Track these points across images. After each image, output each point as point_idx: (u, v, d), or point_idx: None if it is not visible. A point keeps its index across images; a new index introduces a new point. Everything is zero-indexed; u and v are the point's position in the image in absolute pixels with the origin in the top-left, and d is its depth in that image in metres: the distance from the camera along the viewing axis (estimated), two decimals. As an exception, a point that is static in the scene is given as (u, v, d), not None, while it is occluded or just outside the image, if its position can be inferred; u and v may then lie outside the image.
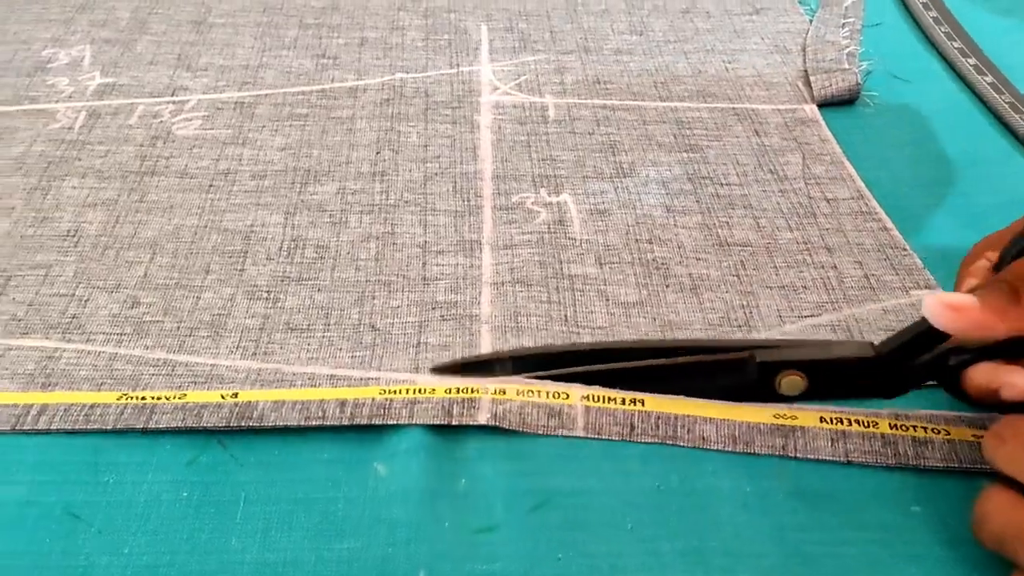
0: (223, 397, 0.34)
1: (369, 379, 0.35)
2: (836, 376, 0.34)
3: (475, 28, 0.60)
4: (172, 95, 0.52)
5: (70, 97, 0.52)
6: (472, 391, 0.34)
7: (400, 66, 0.55)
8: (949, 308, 0.30)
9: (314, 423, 0.33)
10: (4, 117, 0.50)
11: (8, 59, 0.55)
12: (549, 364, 0.36)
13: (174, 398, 0.34)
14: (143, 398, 0.34)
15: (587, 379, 0.35)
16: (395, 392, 0.34)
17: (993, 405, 0.34)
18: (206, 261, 0.41)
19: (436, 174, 0.47)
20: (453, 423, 0.33)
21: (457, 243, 0.42)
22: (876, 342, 0.34)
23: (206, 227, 0.43)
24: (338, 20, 0.60)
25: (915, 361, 0.34)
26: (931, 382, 0.35)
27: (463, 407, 0.33)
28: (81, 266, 0.40)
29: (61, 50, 0.56)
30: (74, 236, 0.42)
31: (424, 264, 0.41)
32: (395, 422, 0.33)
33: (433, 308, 0.39)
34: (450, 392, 0.34)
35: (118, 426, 0.33)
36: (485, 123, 0.50)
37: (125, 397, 0.34)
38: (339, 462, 0.33)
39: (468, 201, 0.45)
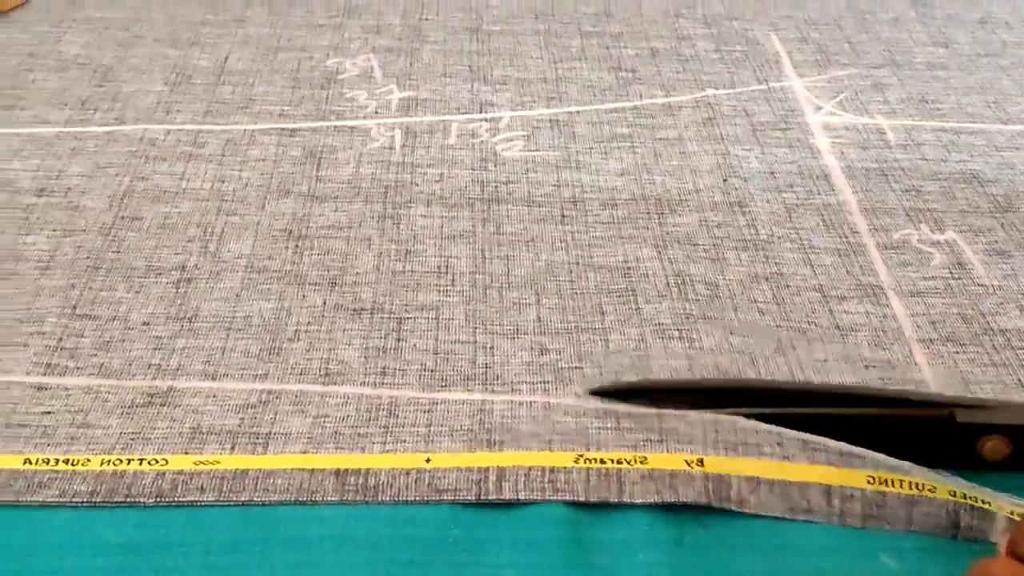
0: (688, 464, 0.31)
1: (847, 455, 0.32)
2: None
3: (765, 38, 0.56)
4: (481, 111, 0.49)
5: (376, 113, 0.49)
6: (984, 502, 0.30)
7: (706, 81, 0.52)
8: None
9: (800, 517, 0.30)
10: (317, 134, 0.47)
11: (294, 68, 0.52)
12: (714, 399, 0.33)
13: (635, 462, 0.31)
14: (602, 460, 0.31)
15: (774, 420, 0.32)
16: (885, 483, 0.30)
17: None
18: (596, 301, 0.38)
19: (797, 205, 0.43)
20: (960, 537, 0.30)
21: (856, 287, 0.39)
22: None
23: (578, 264, 0.40)
24: (617, 28, 0.57)
25: None
26: None
27: (972, 517, 0.30)
28: (468, 308, 0.38)
29: (346, 60, 0.53)
30: (447, 273, 0.39)
31: (831, 311, 0.38)
32: (890, 527, 0.30)
33: (866, 367, 0.35)
34: (955, 496, 0.30)
35: (590, 498, 0.31)
36: (824, 147, 0.47)
37: (583, 459, 0.31)
38: (839, 550, 0.30)
39: (845, 238, 0.41)
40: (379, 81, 0.52)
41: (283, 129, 0.48)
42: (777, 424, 0.32)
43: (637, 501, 0.30)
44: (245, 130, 0.47)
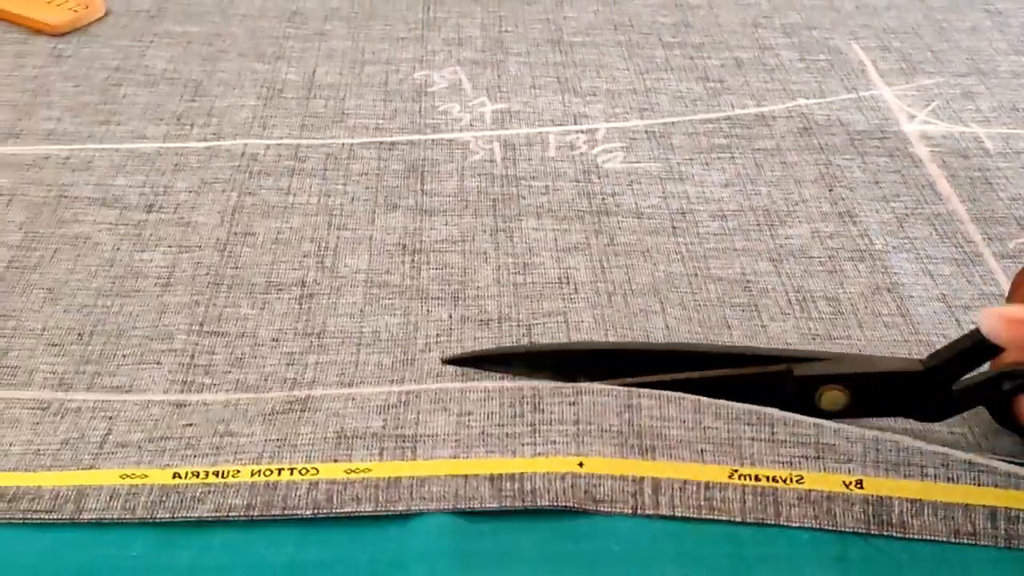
0: (847, 487, 0.31)
1: (1014, 476, 0.31)
2: (880, 392, 0.33)
3: (846, 46, 0.56)
4: (575, 123, 0.49)
5: (471, 125, 0.49)
6: None
7: (796, 91, 0.52)
8: (1005, 320, 0.30)
9: (965, 540, 0.30)
10: (416, 147, 0.47)
11: (382, 81, 0.52)
12: (570, 364, 0.35)
13: (791, 480, 0.31)
14: (757, 477, 0.31)
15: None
16: None
17: None
18: (720, 314, 0.38)
19: (907, 215, 0.43)
20: None
21: (979, 296, 0.39)
22: None
23: (696, 275, 0.40)
24: (697, 39, 0.57)
25: (965, 384, 0.32)
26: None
27: None
28: (596, 312, 0.38)
29: (433, 72, 0.53)
30: (568, 283, 0.39)
31: (957, 321, 0.38)
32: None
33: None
34: None
35: (747, 519, 0.30)
36: (924, 156, 0.47)
37: (737, 475, 0.31)
38: (1008, 561, 0.30)
39: (960, 247, 0.41)
40: (469, 93, 0.52)
41: (381, 143, 0.48)
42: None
43: (793, 524, 0.30)
44: (343, 144, 0.47)
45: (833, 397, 0.33)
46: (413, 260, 0.40)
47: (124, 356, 0.36)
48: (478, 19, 0.59)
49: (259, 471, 0.31)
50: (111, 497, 0.30)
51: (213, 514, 0.30)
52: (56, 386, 0.34)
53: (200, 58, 0.54)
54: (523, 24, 0.58)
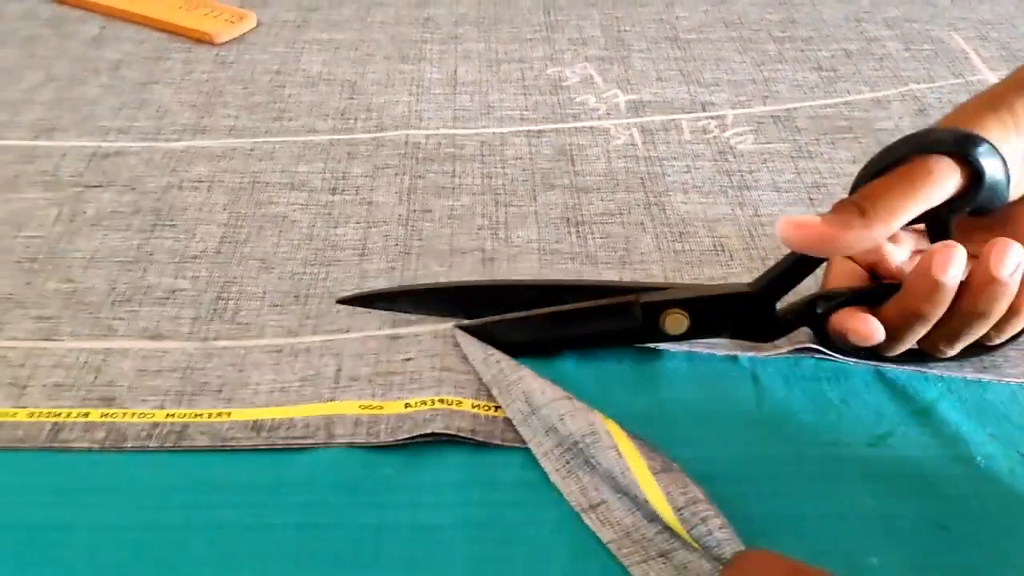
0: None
1: None
2: (716, 314, 0.36)
3: (947, 37, 0.60)
4: (704, 110, 0.53)
5: (608, 114, 0.53)
6: None
7: (907, 77, 0.56)
8: (793, 225, 0.33)
9: None
10: (561, 135, 0.52)
11: (519, 78, 0.57)
12: (446, 301, 0.39)
13: None
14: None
15: (479, 329, 0.38)
16: None
17: (856, 350, 0.36)
18: (867, 273, 0.42)
19: None
20: None
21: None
22: None
23: (838, 240, 0.44)
24: (805, 33, 0.61)
25: (788, 307, 0.36)
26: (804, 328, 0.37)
27: None
28: (751, 278, 0.41)
29: (564, 69, 0.58)
30: (724, 251, 0.43)
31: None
32: None
33: None
34: None
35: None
36: (1036, 133, 0.51)
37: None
38: None
39: (1082, 212, 0.45)
40: (601, 86, 0.56)
41: (528, 131, 0.52)
42: (503, 325, 0.38)
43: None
44: (494, 132, 0.52)
45: (675, 320, 0.37)
46: (578, 231, 0.45)
47: (338, 311, 0.40)
48: (596, 20, 0.63)
49: (478, 404, 0.36)
50: (355, 424, 0.35)
51: (443, 430, 0.34)
52: (285, 335, 0.39)
53: (350, 61, 0.59)
54: (639, 24, 0.63)
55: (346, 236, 0.45)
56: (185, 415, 0.36)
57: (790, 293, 0.36)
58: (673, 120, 0.53)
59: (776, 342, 0.38)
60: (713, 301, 0.36)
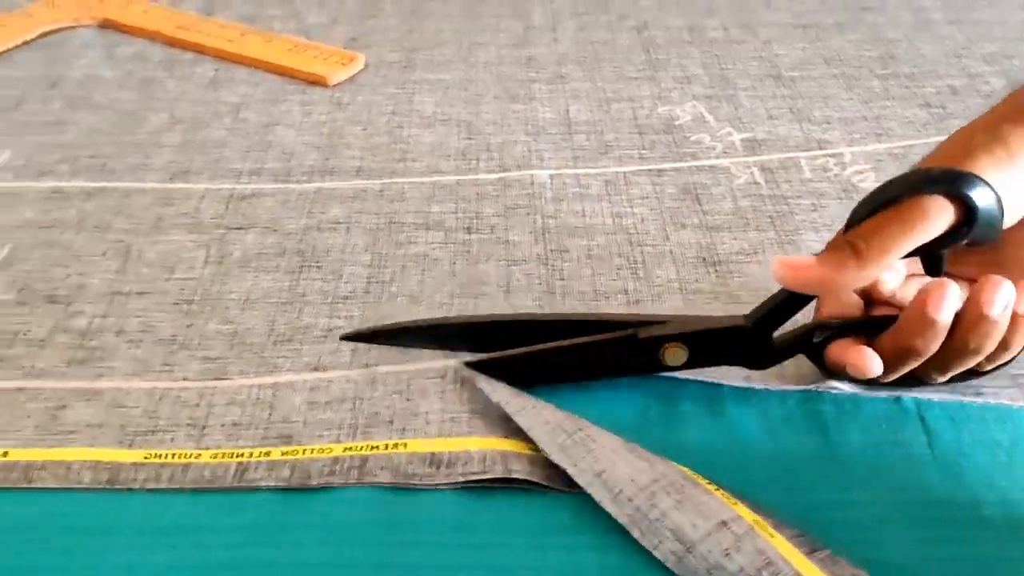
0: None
1: None
2: (713, 346, 0.38)
3: (1046, 73, 0.61)
4: (820, 148, 0.55)
5: (725, 153, 0.54)
6: None
7: (1015, 113, 0.57)
8: (788, 266, 0.34)
9: None
10: (682, 173, 0.53)
11: (631, 117, 0.58)
12: (448, 336, 0.40)
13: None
14: None
15: (483, 366, 0.39)
16: None
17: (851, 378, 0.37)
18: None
19: None
20: None
21: None
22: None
23: (975, 277, 0.45)
24: (906, 69, 0.62)
25: (785, 336, 0.37)
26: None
27: None
28: (899, 317, 0.43)
29: (675, 107, 0.59)
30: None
31: None
32: None
33: None
34: None
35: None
36: None
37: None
38: None
39: None
40: (714, 125, 0.57)
41: (650, 170, 0.53)
42: (508, 362, 0.39)
43: None
44: (616, 172, 0.53)
45: (674, 353, 0.38)
46: (716, 270, 0.46)
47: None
48: (697, 59, 0.65)
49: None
50: (531, 463, 0.36)
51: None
52: (443, 357, 0.40)
53: (462, 101, 0.61)
54: (740, 62, 0.64)
55: (489, 274, 0.46)
56: (362, 447, 0.37)
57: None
58: (791, 158, 0.54)
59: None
60: (709, 335, 0.38)
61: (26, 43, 0.69)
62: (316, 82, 0.63)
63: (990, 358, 0.36)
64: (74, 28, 0.71)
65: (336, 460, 0.36)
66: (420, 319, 0.42)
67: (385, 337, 0.41)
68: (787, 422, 0.38)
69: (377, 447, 0.37)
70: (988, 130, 0.35)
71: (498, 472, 0.35)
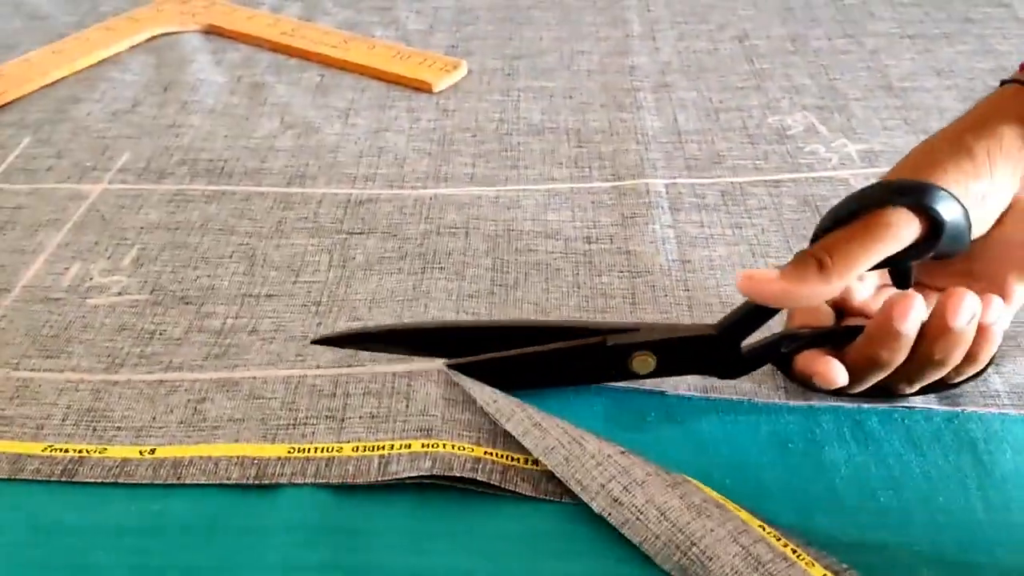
0: None
1: None
2: (682, 354, 0.37)
3: None
4: (939, 161, 0.54)
5: (842, 164, 0.54)
6: None
7: None
8: (750, 279, 0.34)
9: None
10: (799, 185, 0.52)
11: (741, 126, 0.58)
12: (420, 342, 0.40)
13: None
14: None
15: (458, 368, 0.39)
16: None
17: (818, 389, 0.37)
18: None
19: None
20: None
21: None
22: None
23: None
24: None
25: (753, 346, 0.37)
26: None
27: None
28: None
29: (785, 117, 0.59)
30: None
31: None
32: None
33: None
34: None
35: None
36: None
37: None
38: None
39: None
40: (827, 136, 0.57)
41: (766, 180, 0.53)
42: (481, 367, 0.39)
43: None
44: (731, 182, 0.53)
45: (643, 361, 0.38)
46: (844, 283, 0.45)
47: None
48: (803, 69, 0.64)
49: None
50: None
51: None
52: None
53: (568, 109, 0.61)
54: (848, 72, 0.63)
55: (612, 285, 0.46)
56: (504, 456, 0.37)
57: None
58: (910, 171, 0.53)
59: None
60: (678, 343, 0.38)
61: (133, 48, 0.71)
62: (420, 88, 0.64)
63: (958, 370, 0.36)
64: (180, 33, 0.72)
65: (478, 460, 0.36)
66: (387, 325, 0.43)
67: (355, 341, 0.41)
68: (838, 437, 0.37)
69: (517, 460, 0.36)
70: (952, 141, 0.35)
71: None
